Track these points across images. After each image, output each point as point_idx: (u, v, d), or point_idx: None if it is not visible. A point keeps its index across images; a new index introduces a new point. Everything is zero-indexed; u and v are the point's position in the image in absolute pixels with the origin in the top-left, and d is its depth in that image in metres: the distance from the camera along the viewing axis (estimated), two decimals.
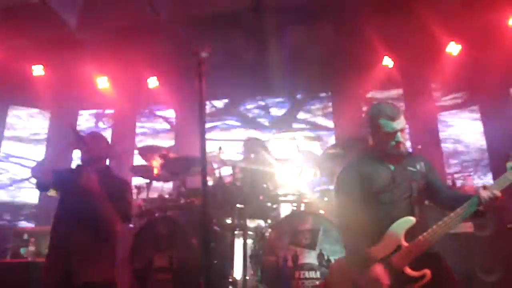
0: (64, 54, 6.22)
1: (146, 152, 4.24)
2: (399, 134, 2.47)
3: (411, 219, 2.38)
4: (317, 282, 3.41)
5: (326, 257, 3.46)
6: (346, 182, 2.64)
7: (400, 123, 2.47)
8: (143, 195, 4.26)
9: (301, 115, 6.67)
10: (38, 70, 6.42)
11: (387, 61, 6.31)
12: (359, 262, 2.42)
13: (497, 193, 2.29)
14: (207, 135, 1.95)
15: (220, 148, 3.99)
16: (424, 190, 2.53)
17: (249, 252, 3.71)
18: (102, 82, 6.39)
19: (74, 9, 6.03)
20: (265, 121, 6.82)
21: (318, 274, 3.44)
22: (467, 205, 2.32)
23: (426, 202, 2.59)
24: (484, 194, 2.28)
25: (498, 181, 2.32)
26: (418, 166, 2.56)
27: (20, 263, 4.61)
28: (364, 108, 6.54)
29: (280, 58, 6.36)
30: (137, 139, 6.79)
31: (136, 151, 6.25)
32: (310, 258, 3.50)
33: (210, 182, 3.90)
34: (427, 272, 2.30)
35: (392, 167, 2.54)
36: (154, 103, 6.75)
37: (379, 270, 2.34)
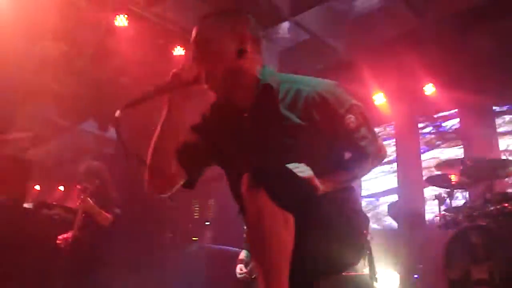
0: (339, 79, 6.62)
1: (441, 169, 4.16)
2: None
3: None
4: None
5: None
6: None
7: None
8: (445, 205, 4.15)
9: None
10: None
11: None
12: None
13: None
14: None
15: None
16: None
17: None
18: (379, 99, 6.56)
19: (342, 35, 6.40)
20: None
21: None
22: None
23: None
24: None
25: None
26: None
27: None
28: None
29: None
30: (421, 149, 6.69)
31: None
32: None
33: None
34: None
35: None
36: (434, 110, 6.54)
37: None
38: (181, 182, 1.81)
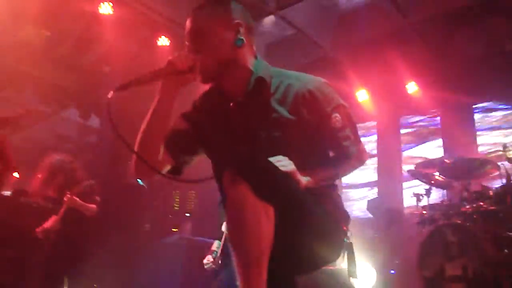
0: (323, 74, 6.61)
1: (421, 168, 4.22)
2: None
3: None
4: None
5: None
6: None
7: None
8: (423, 202, 4.22)
9: None
10: None
11: None
12: None
13: None
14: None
15: (505, 146, 3.67)
16: None
17: None
18: (362, 95, 6.60)
19: (328, 30, 6.41)
20: None
21: None
22: None
23: None
24: None
25: None
26: None
27: None
28: None
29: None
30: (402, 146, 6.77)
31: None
32: None
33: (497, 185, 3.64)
34: None
35: None
36: (416, 109, 6.60)
37: None
38: (167, 169, 1.82)
